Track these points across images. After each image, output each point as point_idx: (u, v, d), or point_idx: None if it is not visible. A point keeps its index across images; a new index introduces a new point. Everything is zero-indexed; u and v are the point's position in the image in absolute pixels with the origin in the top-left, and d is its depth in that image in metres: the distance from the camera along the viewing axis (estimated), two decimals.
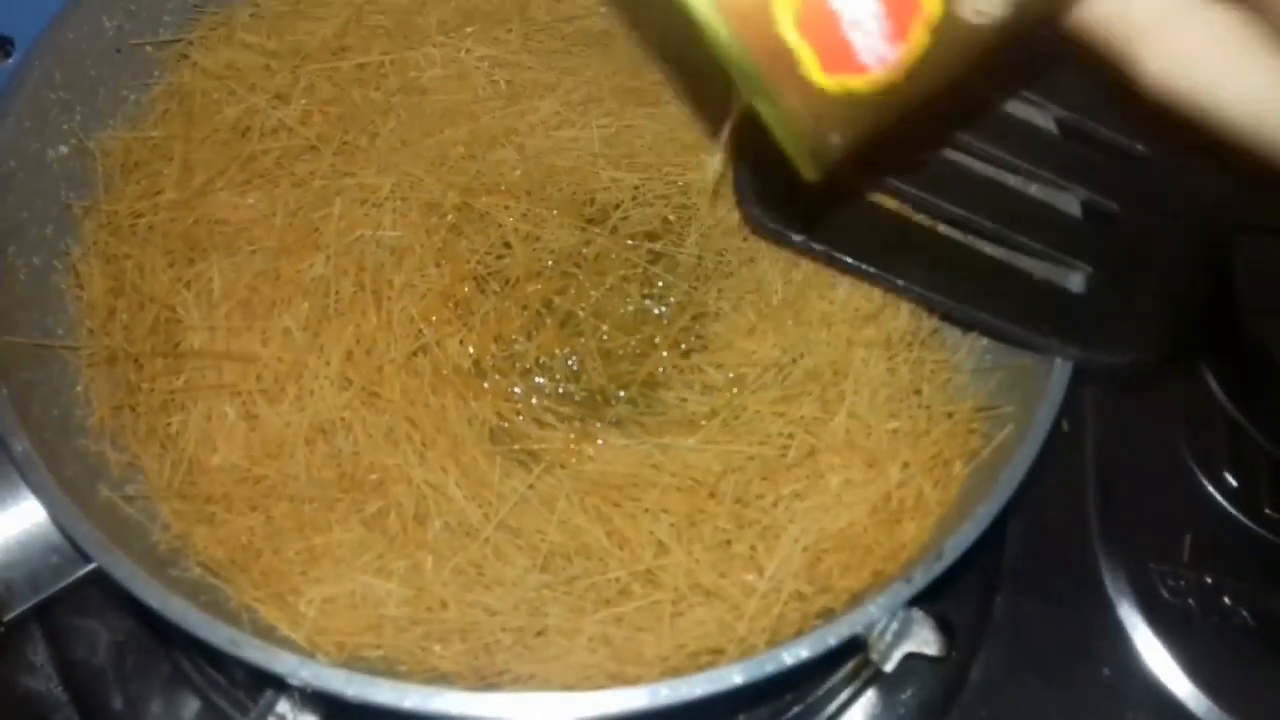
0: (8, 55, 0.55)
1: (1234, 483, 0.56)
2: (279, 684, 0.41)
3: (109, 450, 0.41)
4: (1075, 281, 0.42)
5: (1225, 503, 0.56)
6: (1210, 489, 0.56)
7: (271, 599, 0.39)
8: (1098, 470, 0.56)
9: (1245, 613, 0.52)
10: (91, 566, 0.37)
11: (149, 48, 0.49)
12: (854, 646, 0.38)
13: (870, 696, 0.50)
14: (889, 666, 0.40)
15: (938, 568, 0.37)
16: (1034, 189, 0.45)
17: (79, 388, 0.43)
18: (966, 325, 0.44)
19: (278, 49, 0.49)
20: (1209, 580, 0.53)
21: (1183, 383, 0.59)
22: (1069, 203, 0.44)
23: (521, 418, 0.45)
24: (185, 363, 0.42)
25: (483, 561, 0.41)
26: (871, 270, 0.41)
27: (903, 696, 0.50)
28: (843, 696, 0.50)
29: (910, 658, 0.40)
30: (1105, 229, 0.43)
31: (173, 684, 0.47)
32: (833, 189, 0.43)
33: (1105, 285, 0.42)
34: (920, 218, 0.44)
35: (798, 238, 0.41)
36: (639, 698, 0.34)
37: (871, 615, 0.36)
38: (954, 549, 0.37)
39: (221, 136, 0.48)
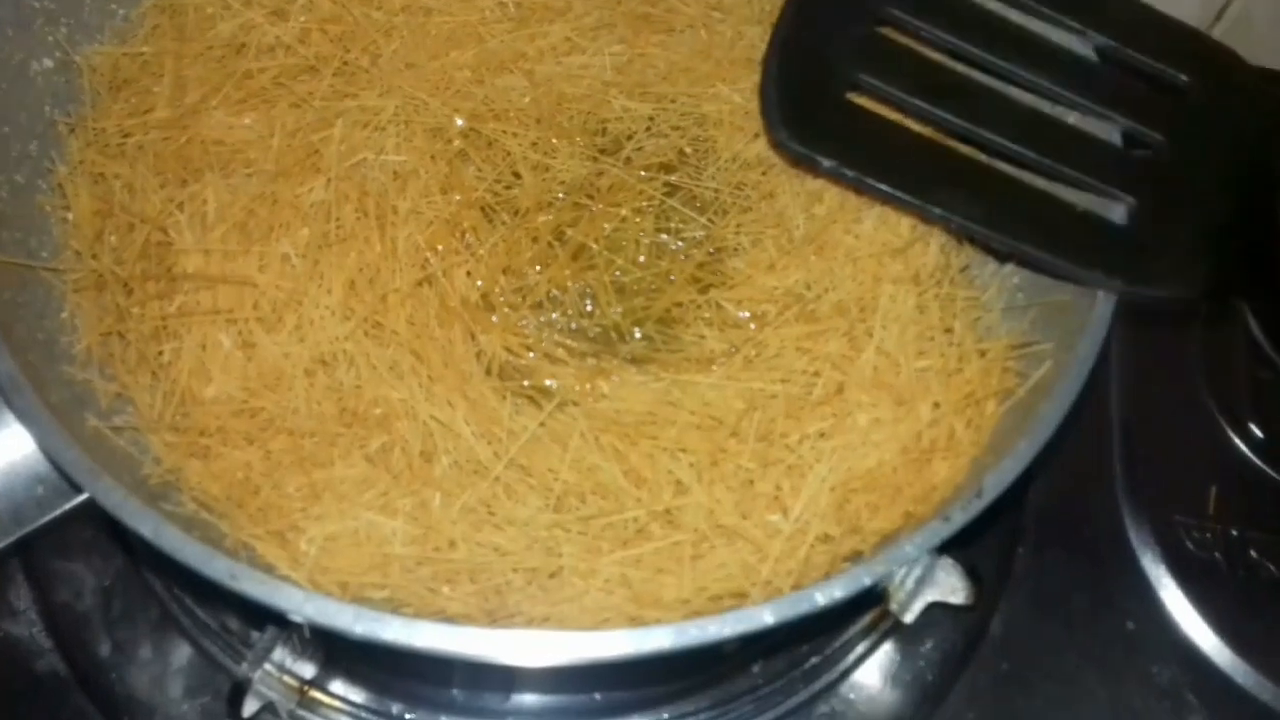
0: None
1: (1260, 434, 0.55)
2: (278, 624, 0.39)
3: (96, 379, 0.39)
4: (1118, 213, 0.40)
5: (1251, 454, 0.54)
6: (1236, 440, 0.55)
7: (270, 536, 0.37)
8: (1121, 422, 0.55)
9: (1272, 566, 0.51)
10: (80, 499, 0.35)
11: None
12: (875, 596, 0.36)
13: (888, 649, 0.49)
14: (909, 617, 0.39)
15: (977, 505, 0.35)
16: (1073, 118, 0.43)
17: (64, 313, 0.40)
18: (1006, 256, 0.42)
19: None
20: (1234, 533, 0.52)
21: (1206, 333, 0.57)
22: (1109, 132, 0.42)
23: (532, 353, 0.43)
24: (178, 288, 0.40)
25: (493, 500, 0.39)
26: (908, 198, 0.39)
27: (922, 649, 0.48)
28: (860, 649, 0.48)
29: (931, 609, 0.39)
30: (1147, 160, 0.41)
31: (162, 629, 0.44)
32: (864, 113, 0.41)
33: (1148, 218, 0.40)
34: (957, 145, 0.42)
35: (828, 163, 0.39)
36: (664, 637, 0.32)
37: (908, 554, 0.34)
38: (994, 486, 0.35)
39: (215, 53, 0.45)
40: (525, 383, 0.42)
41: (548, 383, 0.42)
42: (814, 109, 0.40)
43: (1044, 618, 0.50)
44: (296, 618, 0.31)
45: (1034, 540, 0.51)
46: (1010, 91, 0.43)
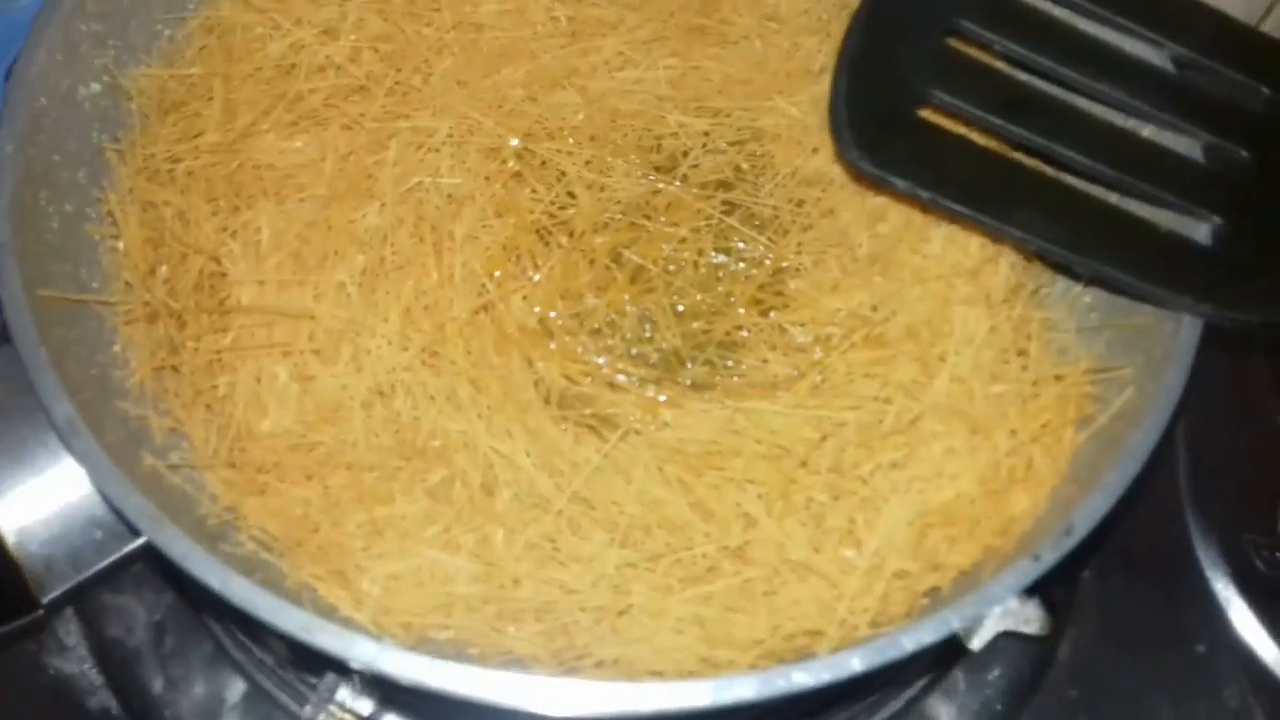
0: None
1: None
2: (339, 668, 0.38)
3: (151, 414, 0.38)
4: (1202, 233, 0.39)
5: None
6: None
7: (332, 576, 0.36)
8: (1188, 441, 0.53)
9: None
10: (140, 542, 0.34)
11: None
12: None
13: (955, 677, 0.47)
14: (978, 645, 0.37)
15: (1067, 544, 0.34)
16: (1150, 132, 0.42)
17: (116, 347, 0.39)
18: (1084, 278, 0.41)
19: None
20: None
21: (1273, 348, 0.56)
22: (1191, 147, 0.41)
23: (591, 380, 0.42)
24: (232, 320, 0.39)
25: (557, 535, 0.38)
26: (986, 219, 0.37)
27: (989, 677, 0.47)
28: (925, 679, 0.47)
29: (998, 636, 0.37)
30: (1233, 176, 0.40)
31: (215, 664, 0.44)
32: (938, 131, 0.40)
33: (1235, 237, 0.38)
34: (1031, 162, 0.41)
35: (903, 184, 0.37)
36: (747, 687, 0.31)
37: (996, 595, 0.33)
38: (1084, 522, 0.34)
39: (265, 74, 0.44)
40: (585, 411, 0.41)
41: (608, 410, 0.41)
42: (886, 128, 0.38)
43: (1112, 642, 0.49)
44: (366, 669, 0.30)
45: (1100, 563, 0.50)
46: (1086, 105, 0.41)
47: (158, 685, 0.43)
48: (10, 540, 0.33)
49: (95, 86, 0.42)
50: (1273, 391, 0.55)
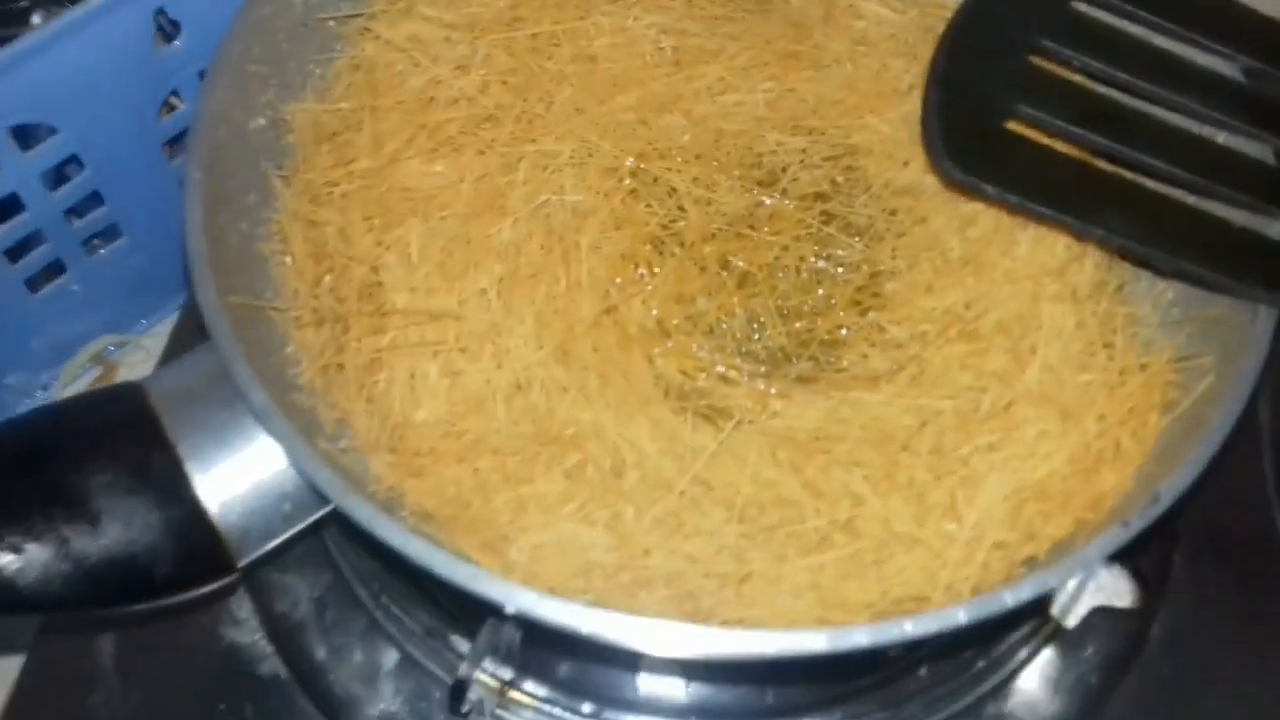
0: (169, 40, 0.58)
1: None
2: (488, 628, 0.42)
3: (320, 406, 0.43)
4: (1275, 230, 0.42)
5: None
6: None
7: (484, 546, 0.40)
8: (1271, 426, 0.56)
9: None
10: (322, 513, 0.39)
11: (331, 22, 0.51)
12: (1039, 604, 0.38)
13: (1049, 654, 0.50)
14: (1072, 622, 0.40)
15: (1153, 512, 0.37)
16: (1222, 138, 0.45)
17: (289, 349, 0.44)
18: (1164, 273, 0.44)
19: (455, 21, 0.51)
20: None
21: None
22: (1262, 151, 0.44)
23: (705, 375, 0.46)
24: (389, 322, 0.44)
25: (681, 512, 0.42)
26: (1070, 220, 0.41)
27: (1084, 654, 0.50)
28: (1023, 654, 0.50)
29: (1092, 615, 0.40)
30: None
31: (371, 636, 0.48)
32: (1023, 141, 0.44)
33: None
34: (1112, 168, 0.44)
35: (992, 190, 0.41)
36: (863, 636, 0.34)
37: (1090, 557, 0.36)
38: (1170, 493, 0.37)
39: (407, 106, 0.49)
40: (701, 402, 0.45)
41: (722, 402, 0.45)
42: (975, 138, 0.42)
43: (1203, 622, 0.51)
44: (523, 613, 0.35)
45: (1189, 546, 0.53)
46: (1162, 114, 0.45)
47: (321, 653, 0.48)
48: (213, 512, 0.38)
49: (261, 120, 0.48)
50: None
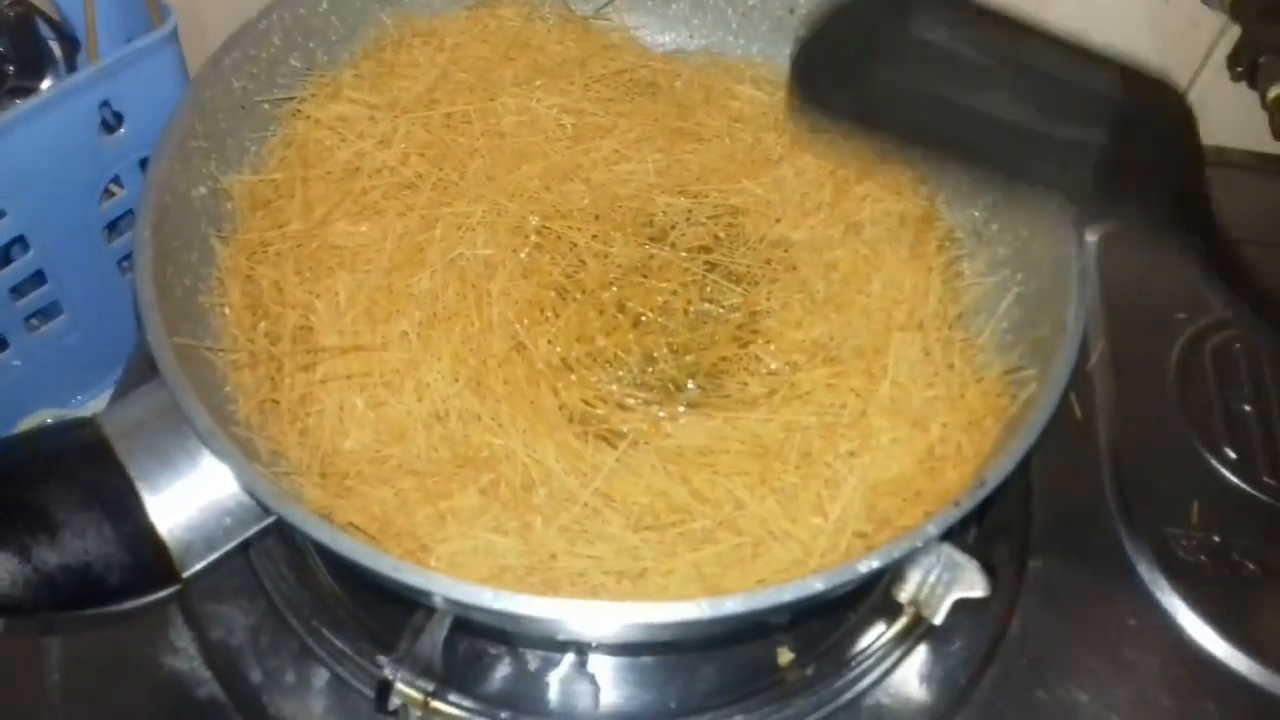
0: (112, 130, 0.63)
1: (1233, 455, 0.63)
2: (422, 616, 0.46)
3: (256, 439, 0.48)
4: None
5: (1227, 473, 0.62)
6: (1214, 462, 0.62)
7: (407, 555, 0.45)
8: (1110, 453, 0.63)
9: (1251, 565, 0.58)
10: (260, 526, 0.44)
11: (266, 105, 0.57)
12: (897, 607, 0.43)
13: (922, 652, 0.56)
14: (939, 618, 0.47)
15: (980, 493, 0.43)
16: None
17: (227, 388, 0.49)
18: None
19: (378, 102, 0.57)
20: (1217, 539, 0.59)
21: (1181, 376, 0.66)
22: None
23: (605, 404, 0.52)
24: (320, 360, 0.49)
25: (584, 520, 0.47)
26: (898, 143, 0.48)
27: (952, 648, 0.55)
28: (897, 653, 0.55)
29: (957, 612, 0.46)
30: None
31: (303, 658, 0.52)
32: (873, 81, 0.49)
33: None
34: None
35: (837, 116, 0.47)
36: (736, 604, 0.40)
37: (929, 533, 0.42)
38: (994, 477, 0.43)
39: (335, 176, 0.55)
40: (602, 426, 0.51)
41: (620, 427, 0.51)
42: (830, 88, 0.47)
43: (1057, 618, 0.57)
44: (444, 601, 0.39)
45: (1043, 554, 0.59)
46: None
47: (256, 676, 0.51)
48: (161, 527, 0.43)
49: (203, 189, 0.54)
50: (1185, 411, 0.65)
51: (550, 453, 0.49)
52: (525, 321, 0.53)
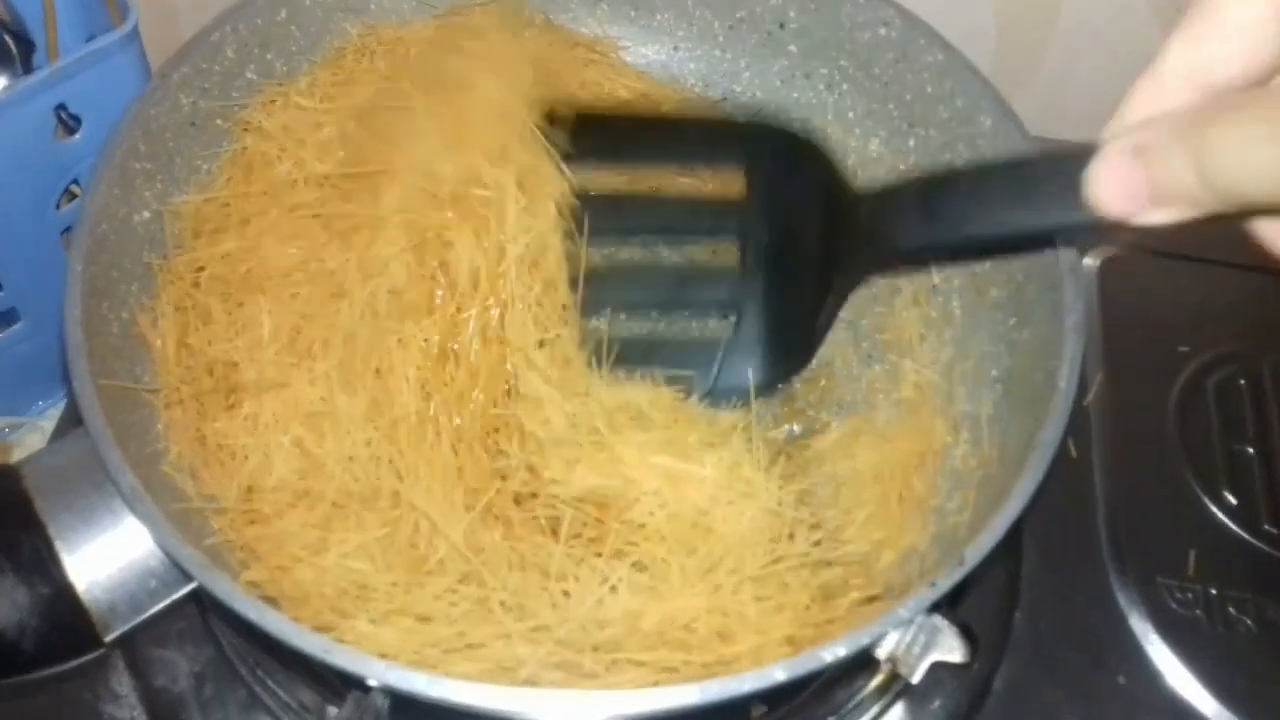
0: (71, 133, 0.60)
1: (1234, 501, 0.60)
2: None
3: (185, 478, 0.45)
4: None
5: (1226, 520, 0.59)
6: (1212, 508, 0.60)
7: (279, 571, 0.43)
8: (1105, 494, 0.60)
9: (1249, 621, 0.56)
10: (187, 589, 0.41)
11: (219, 120, 0.54)
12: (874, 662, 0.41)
13: (899, 710, 0.53)
14: (916, 678, 0.44)
15: (959, 573, 0.40)
16: None
17: (159, 426, 0.46)
18: None
19: (329, 109, 0.54)
20: (1214, 592, 0.57)
21: (1182, 416, 0.63)
22: None
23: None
24: (243, 398, 0.46)
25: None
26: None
27: (931, 708, 0.53)
28: (874, 710, 0.53)
29: (937, 669, 0.43)
30: None
31: (249, 708, 0.50)
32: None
33: None
34: None
35: None
36: (691, 694, 0.37)
37: (900, 617, 0.39)
38: (974, 556, 0.40)
39: (274, 191, 0.51)
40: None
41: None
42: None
43: (1042, 676, 0.54)
44: (377, 683, 0.37)
45: (1029, 605, 0.56)
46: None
47: None
48: (80, 589, 0.40)
49: (146, 214, 0.50)
50: (1184, 454, 0.62)
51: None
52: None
